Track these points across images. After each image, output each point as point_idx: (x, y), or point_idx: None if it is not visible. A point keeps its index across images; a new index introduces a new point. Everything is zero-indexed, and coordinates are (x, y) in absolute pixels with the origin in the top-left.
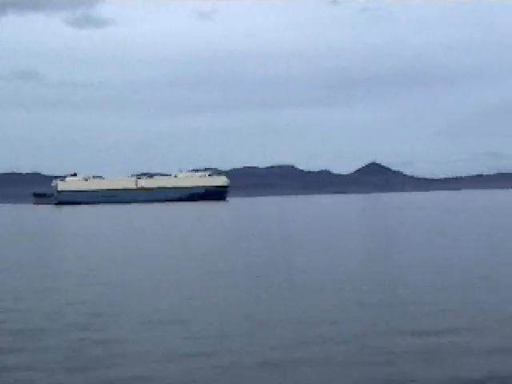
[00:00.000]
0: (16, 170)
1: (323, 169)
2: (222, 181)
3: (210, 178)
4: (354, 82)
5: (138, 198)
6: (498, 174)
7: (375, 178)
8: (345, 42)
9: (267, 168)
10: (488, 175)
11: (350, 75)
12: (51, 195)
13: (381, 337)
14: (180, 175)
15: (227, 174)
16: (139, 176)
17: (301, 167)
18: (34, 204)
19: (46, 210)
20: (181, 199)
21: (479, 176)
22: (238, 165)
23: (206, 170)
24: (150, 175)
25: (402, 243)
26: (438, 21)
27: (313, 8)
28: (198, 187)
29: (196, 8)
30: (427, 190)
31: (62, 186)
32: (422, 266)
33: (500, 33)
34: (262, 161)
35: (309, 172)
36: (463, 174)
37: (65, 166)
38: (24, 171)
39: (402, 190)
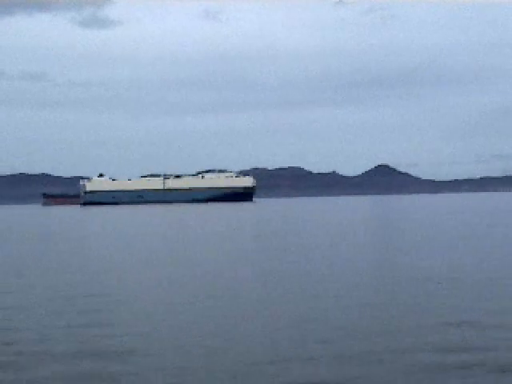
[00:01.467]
0: (24, 171)
1: (331, 171)
2: (248, 182)
3: (237, 179)
4: (361, 84)
5: (165, 199)
6: (504, 176)
7: (383, 179)
8: (352, 43)
9: (276, 169)
10: (495, 177)
11: (357, 76)
12: (77, 196)
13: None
14: (207, 176)
15: (180, 177)
16: (166, 176)
17: (309, 169)
18: (43, 205)
19: (74, 210)
20: (208, 200)
21: (486, 178)
22: (247, 166)
23: (210, 171)
24: (178, 176)
25: (419, 247)
26: (445, 22)
27: (319, 8)
28: (224, 188)
29: (203, 8)
30: (434, 192)
31: (89, 186)
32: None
33: (507, 34)
34: (271, 162)
35: (317, 174)
36: (470, 176)
37: (74, 166)
38: (32, 172)
39: (410, 192)
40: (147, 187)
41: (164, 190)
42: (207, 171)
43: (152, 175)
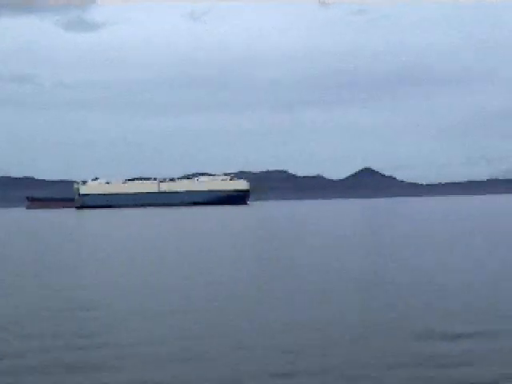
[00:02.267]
0: (8, 174)
1: (316, 174)
2: (243, 185)
3: (231, 182)
4: (348, 85)
5: (159, 202)
6: (491, 179)
7: (368, 183)
8: (338, 45)
9: (261, 173)
10: (481, 181)
11: (344, 78)
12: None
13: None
14: (201, 179)
15: (174, 180)
16: (161, 180)
17: (294, 172)
18: (27, 208)
19: (69, 214)
20: (202, 203)
21: (472, 181)
22: (232, 169)
23: (196, 174)
24: (172, 179)
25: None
26: (433, 23)
27: (306, 10)
28: (219, 191)
29: (189, 10)
30: (419, 196)
31: (84, 189)
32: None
33: (499, 37)
34: (256, 165)
35: (302, 177)
36: (456, 179)
37: (59, 169)
38: (16, 175)
39: (394, 195)
40: (142, 190)
41: (159, 193)
42: (201, 174)
43: (141, 178)
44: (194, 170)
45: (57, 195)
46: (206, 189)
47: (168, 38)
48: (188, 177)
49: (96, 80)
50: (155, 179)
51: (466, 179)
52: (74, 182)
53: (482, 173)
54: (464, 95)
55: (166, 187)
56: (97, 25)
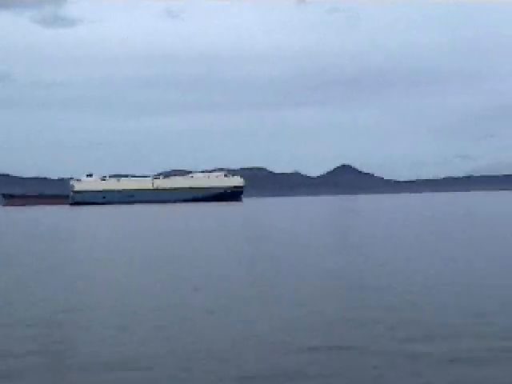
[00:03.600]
0: None
1: (294, 171)
2: (237, 181)
3: (226, 179)
4: (324, 84)
5: (154, 199)
6: (469, 176)
7: (346, 179)
8: (315, 44)
9: (239, 170)
10: (459, 178)
11: (321, 77)
12: (66, 196)
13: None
14: (196, 175)
15: (168, 177)
16: (156, 176)
17: (272, 169)
18: (4, 206)
19: (63, 210)
20: (197, 199)
21: (449, 178)
22: (210, 166)
23: (173, 171)
24: (167, 175)
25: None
26: (413, 23)
27: (281, 8)
28: (214, 188)
29: (165, 7)
30: (397, 192)
31: (78, 186)
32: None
33: (477, 37)
34: (234, 162)
35: (280, 174)
36: (433, 177)
37: (36, 166)
38: None
39: (372, 192)
40: (137, 187)
41: (153, 189)
42: (222, 169)
43: (116, 175)
44: (170, 168)
45: (34, 192)
46: (200, 185)
47: (145, 35)
48: (163, 174)
49: (73, 78)
50: (104, 177)
51: (442, 176)
52: (71, 178)
53: (458, 170)
54: (441, 95)
55: (160, 184)
56: (73, 21)
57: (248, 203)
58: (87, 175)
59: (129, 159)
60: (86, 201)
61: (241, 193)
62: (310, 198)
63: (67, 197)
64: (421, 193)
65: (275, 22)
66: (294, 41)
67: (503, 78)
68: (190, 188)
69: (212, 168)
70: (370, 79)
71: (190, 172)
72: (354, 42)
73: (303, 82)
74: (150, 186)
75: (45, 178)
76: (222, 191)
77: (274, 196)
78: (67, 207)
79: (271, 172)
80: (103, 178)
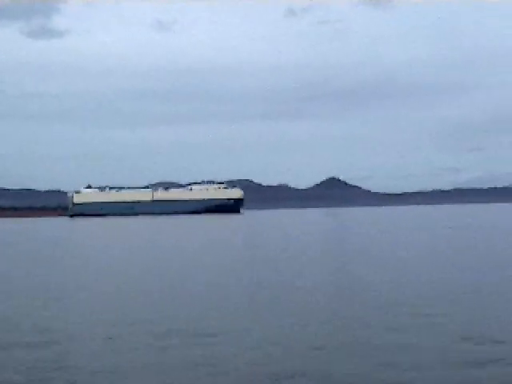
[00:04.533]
0: None
1: (282, 183)
2: (237, 193)
3: (226, 191)
4: (313, 97)
5: (153, 211)
6: (455, 189)
7: (334, 192)
8: (304, 56)
9: (226, 182)
10: (447, 190)
11: (309, 90)
12: (65, 208)
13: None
14: (195, 187)
15: (168, 188)
16: (155, 188)
17: (259, 181)
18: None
19: (62, 222)
20: (196, 211)
21: (436, 191)
22: (197, 179)
23: (198, 183)
24: (166, 187)
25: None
26: (400, 35)
27: (270, 20)
28: (213, 200)
29: (156, 19)
30: (385, 205)
31: (77, 198)
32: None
33: (463, 51)
34: (221, 175)
35: (267, 186)
36: (421, 189)
37: (22, 178)
38: None
39: (360, 204)
40: (136, 199)
41: (153, 201)
42: (200, 182)
43: (99, 187)
44: (157, 180)
45: (19, 204)
46: (199, 197)
47: (135, 46)
48: (150, 186)
49: (62, 89)
50: (148, 188)
51: (430, 189)
52: (58, 190)
53: (445, 183)
54: (429, 108)
55: (160, 196)
56: (61, 33)
57: (248, 215)
58: (86, 187)
59: (116, 171)
60: (85, 212)
61: (240, 205)
62: (299, 211)
63: (66, 209)
64: (408, 205)
65: (265, 34)
66: (283, 53)
67: (491, 90)
68: (189, 200)
69: (199, 180)
70: (357, 92)
71: (177, 184)
72: (343, 55)
73: (291, 94)
74: (149, 198)
75: (30, 189)
76: (222, 203)
77: (261, 209)
78: (66, 219)
79: (259, 184)
80: (102, 190)
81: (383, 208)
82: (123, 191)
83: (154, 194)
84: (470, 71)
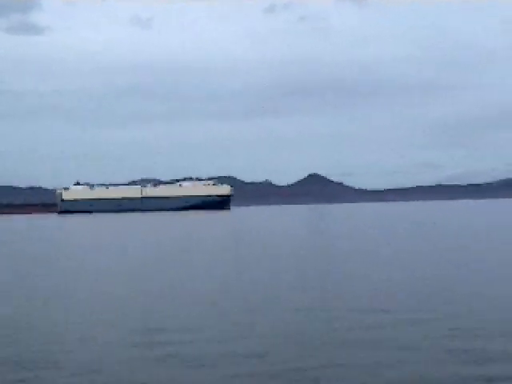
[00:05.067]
0: None
1: (264, 180)
2: (225, 190)
3: (214, 187)
4: (293, 93)
5: (142, 207)
6: (438, 185)
7: (316, 189)
8: (284, 53)
9: (209, 179)
10: (427, 186)
11: (291, 87)
12: (54, 204)
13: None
14: (184, 184)
15: (157, 185)
16: (144, 185)
17: (241, 178)
18: None
19: (51, 219)
20: (185, 208)
21: (418, 187)
22: (179, 176)
23: (187, 179)
24: (155, 184)
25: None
26: (381, 32)
27: (250, 17)
28: (202, 196)
29: (135, 15)
30: (367, 202)
31: (66, 195)
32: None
33: (444, 48)
34: (204, 172)
35: (250, 183)
36: (403, 186)
37: (3, 177)
38: None
39: (342, 201)
40: (125, 196)
41: (142, 198)
42: (191, 179)
43: (88, 184)
44: (140, 178)
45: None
46: (188, 194)
47: (113, 43)
48: (132, 183)
49: (43, 87)
50: (138, 184)
51: (411, 185)
52: (39, 187)
53: (426, 179)
54: (410, 105)
55: (149, 192)
56: (41, 29)
57: (236, 212)
58: (75, 184)
59: (98, 168)
60: (74, 209)
61: (229, 201)
62: (283, 207)
63: (55, 205)
64: (390, 202)
65: (244, 30)
66: (263, 50)
67: (474, 89)
68: (178, 196)
69: (182, 177)
70: (339, 89)
71: (159, 181)
72: (324, 52)
73: (273, 91)
74: (138, 195)
75: (11, 187)
76: (210, 200)
77: (244, 205)
78: (55, 216)
79: (241, 181)
80: (91, 187)
81: (366, 205)
82: (112, 188)
83: (143, 190)
84: (453, 70)
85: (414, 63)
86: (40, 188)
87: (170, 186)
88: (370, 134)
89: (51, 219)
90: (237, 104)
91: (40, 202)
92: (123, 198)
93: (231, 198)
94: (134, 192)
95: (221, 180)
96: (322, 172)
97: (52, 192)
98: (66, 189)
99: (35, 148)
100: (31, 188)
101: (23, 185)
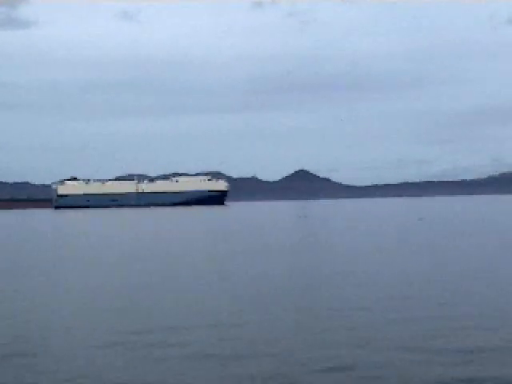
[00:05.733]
0: None
1: (251, 175)
2: (221, 185)
3: (211, 183)
4: (281, 89)
5: (138, 202)
6: (425, 181)
7: (303, 185)
8: (271, 48)
9: (195, 175)
10: (415, 182)
11: (277, 82)
12: (49, 199)
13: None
14: (181, 179)
15: (153, 180)
16: (140, 180)
17: (229, 174)
18: None
19: (46, 214)
20: (181, 203)
21: (406, 183)
22: (166, 171)
23: (182, 174)
24: (151, 179)
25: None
26: (367, 27)
27: (237, 11)
28: (198, 192)
29: (122, 9)
30: (355, 197)
31: (61, 189)
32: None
33: (433, 44)
34: (190, 167)
35: (237, 178)
36: (390, 181)
37: None
38: None
39: (330, 197)
40: (121, 191)
41: (138, 193)
42: (179, 174)
43: (68, 179)
44: (126, 173)
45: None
46: (184, 189)
47: (100, 37)
48: (117, 179)
49: (29, 80)
50: (134, 179)
51: (399, 181)
52: (52, 182)
53: (415, 175)
54: (399, 101)
55: (145, 188)
56: (27, 23)
57: (233, 207)
58: (70, 178)
59: (80, 163)
60: (69, 204)
61: (224, 197)
62: (272, 203)
63: (49, 200)
64: (377, 198)
65: (231, 24)
66: (250, 44)
67: (461, 84)
68: (174, 192)
69: (169, 173)
70: (327, 83)
71: (145, 176)
72: (311, 48)
73: (260, 86)
74: (134, 190)
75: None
76: (206, 195)
77: (232, 201)
78: (50, 211)
79: (229, 177)
80: (87, 182)
81: (353, 200)
82: (108, 183)
83: (139, 185)
84: (440, 65)
85: (402, 59)
86: (27, 183)
87: (165, 181)
88: (357, 130)
89: (46, 214)
90: (224, 99)
91: (27, 196)
92: (119, 194)
93: (227, 193)
94: (130, 187)
95: (207, 176)
96: (309, 168)
97: (38, 187)
98: (62, 184)
99: (18, 141)
100: (16, 183)
101: (9, 180)
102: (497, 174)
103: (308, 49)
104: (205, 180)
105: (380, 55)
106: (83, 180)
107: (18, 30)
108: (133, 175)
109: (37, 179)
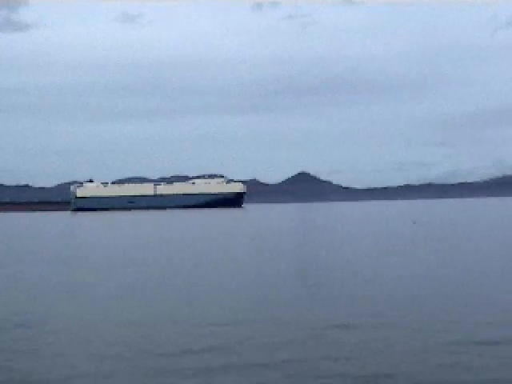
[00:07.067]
0: None
1: (252, 178)
2: (238, 187)
3: (228, 185)
4: (282, 91)
5: (156, 205)
6: (425, 184)
7: (304, 187)
8: (271, 50)
9: (197, 177)
10: (414, 185)
11: (278, 84)
12: (67, 202)
13: None
14: (198, 182)
15: (171, 183)
16: (158, 182)
17: (230, 176)
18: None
19: (63, 216)
20: (198, 206)
21: (406, 186)
22: (167, 174)
23: (200, 177)
24: (170, 181)
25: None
26: (368, 29)
27: (237, 13)
28: (215, 194)
29: (123, 11)
30: (355, 200)
31: (80, 192)
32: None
33: (434, 46)
34: (192, 170)
35: (238, 181)
36: (390, 184)
37: None
38: None
39: (331, 199)
40: (138, 193)
41: (155, 195)
42: (136, 179)
43: (70, 182)
44: (127, 176)
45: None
46: (201, 192)
47: (100, 39)
48: (118, 182)
49: (28, 83)
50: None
51: (399, 184)
52: (71, 184)
53: (415, 178)
54: (398, 103)
55: (162, 190)
56: (27, 26)
57: (250, 209)
58: (88, 181)
59: (83, 166)
60: (88, 206)
61: (241, 199)
62: (272, 206)
63: (65, 203)
64: (378, 200)
65: (232, 26)
66: (250, 46)
67: (461, 87)
68: (192, 194)
69: (170, 175)
70: (327, 86)
71: (146, 179)
72: (310, 49)
73: (261, 88)
74: (151, 192)
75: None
76: (223, 197)
77: None
78: (68, 214)
79: (229, 179)
80: (105, 184)
81: (355, 203)
82: (125, 185)
83: (157, 188)
84: (440, 68)
85: (402, 61)
86: (27, 186)
87: (182, 183)
88: (357, 131)
89: (65, 217)
90: (224, 101)
91: (28, 200)
92: (136, 196)
93: (244, 195)
94: (148, 189)
95: (209, 178)
96: (310, 170)
97: (40, 190)
98: (80, 186)
99: (18, 145)
100: (17, 186)
101: (12, 183)
102: (499, 176)
103: (308, 51)
104: (222, 182)
105: (381, 57)
106: (101, 182)
107: (18, 33)
108: (134, 178)
109: (37, 182)
